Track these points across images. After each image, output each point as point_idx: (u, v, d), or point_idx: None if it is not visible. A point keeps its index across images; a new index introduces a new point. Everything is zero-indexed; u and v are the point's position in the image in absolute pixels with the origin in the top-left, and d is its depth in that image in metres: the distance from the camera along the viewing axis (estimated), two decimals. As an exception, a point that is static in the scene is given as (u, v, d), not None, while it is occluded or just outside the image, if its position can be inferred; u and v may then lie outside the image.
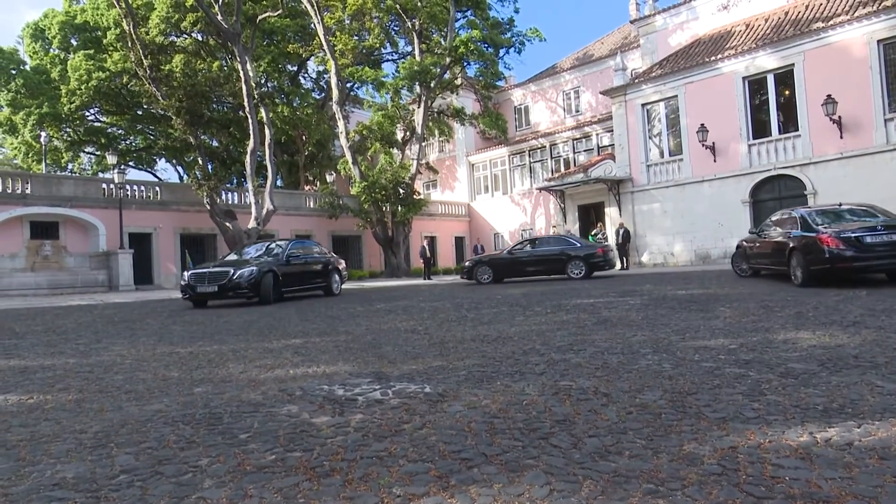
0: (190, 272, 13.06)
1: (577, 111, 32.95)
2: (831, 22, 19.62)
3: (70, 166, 39.71)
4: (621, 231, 23.00)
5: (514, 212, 33.36)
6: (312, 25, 28.23)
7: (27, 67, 32.88)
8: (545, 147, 31.96)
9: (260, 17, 26.09)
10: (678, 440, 2.64)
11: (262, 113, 24.09)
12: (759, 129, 21.70)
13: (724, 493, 2.08)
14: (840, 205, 11.49)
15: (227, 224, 23.18)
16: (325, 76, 34.71)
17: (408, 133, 30.14)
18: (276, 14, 26.61)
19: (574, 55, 35.29)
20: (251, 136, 23.54)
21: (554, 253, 17.53)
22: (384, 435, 2.91)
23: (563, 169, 30.19)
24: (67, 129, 34.34)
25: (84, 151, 39.04)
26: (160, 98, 23.12)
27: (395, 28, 32.19)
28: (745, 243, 13.48)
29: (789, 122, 20.93)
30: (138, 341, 7.13)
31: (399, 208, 27.06)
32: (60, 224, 21.49)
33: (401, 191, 27.05)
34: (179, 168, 39.85)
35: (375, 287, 19.07)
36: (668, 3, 27.09)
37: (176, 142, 30.93)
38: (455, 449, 2.66)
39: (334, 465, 2.51)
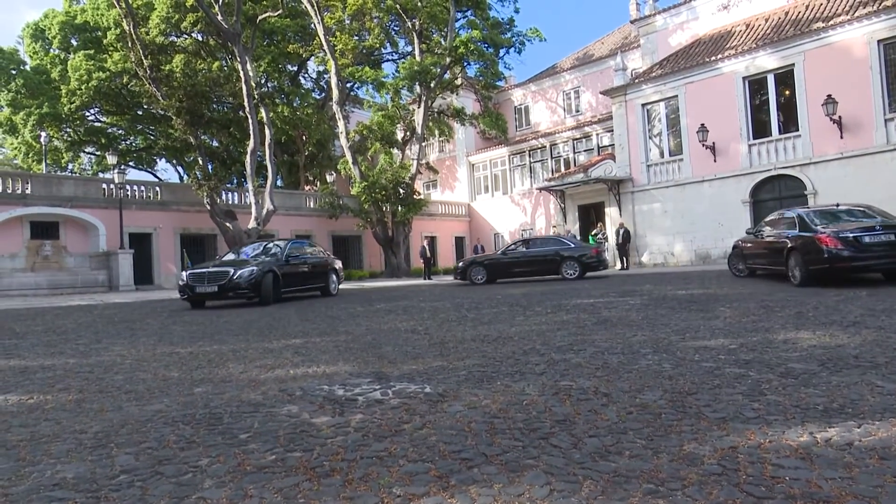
0: (188, 272, 12.92)
1: (578, 111, 32.95)
2: (831, 22, 19.62)
3: (70, 166, 39.72)
4: (621, 231, 23.00)
5: (514, 212, 33.36)
6: (312, 25, 28.24)
7: (27, 67, 32.89)
8: (545, 147, 31.96)
9: (260, 18, 26.08)
10: (678, 440, 2.64)
11: (263, 113, 24.09)
12: (760, 129, 21.70)
13: (725, 493, 2.07)
14: (837, 205, 11.51)
15: (228, 224, 23.17)
16: (325, 76, 34.73)
17: (408, 133, 30.13)
18: (276, 14, 26.61)
19: (574, 55, 35.29)
20: (251, 136, 23.53)
21: (548, 253, 17.55)
22: (384, 435, 2.91)
23: (563, 169, 30.19)
24: (67, 130, 34.35)
25: (84, 151, 39.05)
26: (160, 98, 23.11)
27: (395, 28, 32.20)
28: (741, 243, 13.49)
29: (789, 122, 20.93)
30: (138, 341, 7.13)
31: (399, 208, 27.06)
32: (60, 224, 21.50)
33: (401, 191, 27.05)
34: (179, 168, 39.86)
35: (375, 287, 19.07)
36: (668, 3, 27.12)
37: (176, 142, 30.93)
38: (455, 449, 2.66)
39: (334, 465, 2.51)
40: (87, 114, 34.04)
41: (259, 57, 29.08)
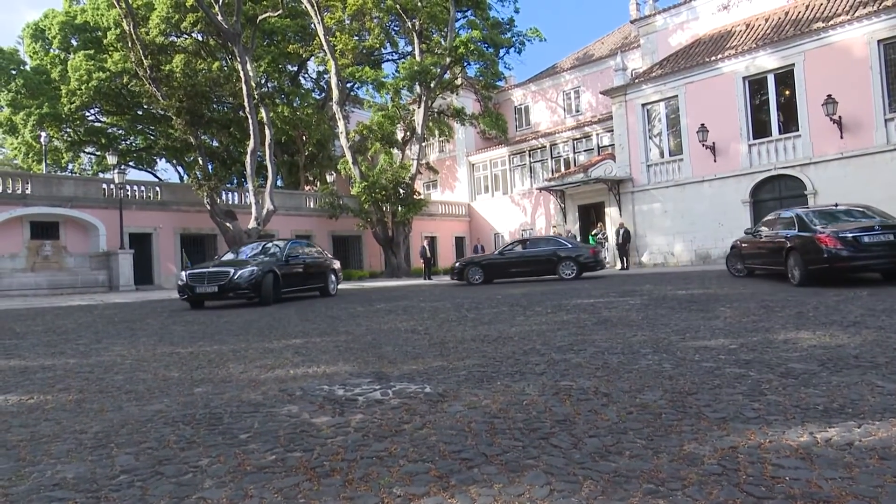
0: (188, 272, 12.85)
1: (578, 111, 32.95)
2: (831, 22, 19.62)
3: (70, 166, 39.72)
4: (621, 231, 23.00)
5: (514, 212, 33.37)
6: (312, 25, 28.24)
7: (27, 68, 32.88)
8: (545, 147, 31.96)
9: (260, 18, 26.09)
10: (678, 440, 2.64)
11: (263, 113, 24.09)
12: (760, 129, 21.70)
13: (725, 493, 2.07)
14: (836, 205, 11.52)
15: (228, 224, 23.18)
16: (325, 76, 34.73)
17: (408, 133, 30.13)
18: (276, 14, 26.61)
19: (574, 55, 35.29)
20: (251, 137, 23.54)
21: (545, 253, 17.54)
22: (384, 435, 2.92)
23: (563, 169, 30.19)
24: (67, 130, 34.35)
25: (84, 151, 39.05)
26: (160, 98, 23.12)
27: (395, 28, 32.20)
28: (740, 243, 13.52)
29: (789, 122, 20.93)
30: (138, 341, 7.13)
31: (399, 208, 27.06)
32: (61, 224, 21.50)
33: (401, 191, 27.05)
34: (179, 168, 39.85)
35: (375, 287, 19.07)
36: (668, 3, 27.12)
37: (176, 142, 30.92)
38: (455, 449, 2.66)
39: (334, 465, 2.51)
40: (87, 114, 34.03)
41: (259, 57, 29.08)
